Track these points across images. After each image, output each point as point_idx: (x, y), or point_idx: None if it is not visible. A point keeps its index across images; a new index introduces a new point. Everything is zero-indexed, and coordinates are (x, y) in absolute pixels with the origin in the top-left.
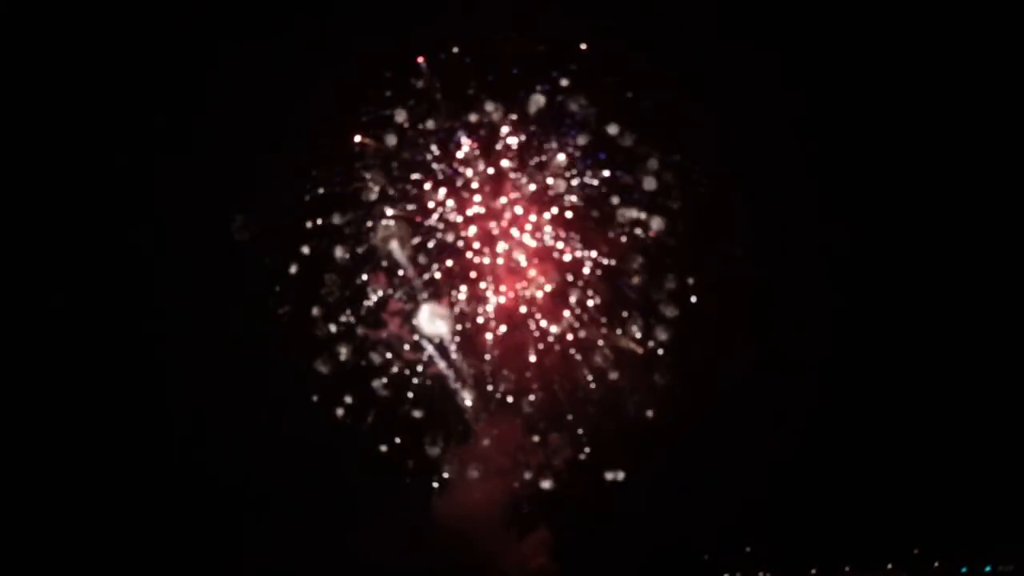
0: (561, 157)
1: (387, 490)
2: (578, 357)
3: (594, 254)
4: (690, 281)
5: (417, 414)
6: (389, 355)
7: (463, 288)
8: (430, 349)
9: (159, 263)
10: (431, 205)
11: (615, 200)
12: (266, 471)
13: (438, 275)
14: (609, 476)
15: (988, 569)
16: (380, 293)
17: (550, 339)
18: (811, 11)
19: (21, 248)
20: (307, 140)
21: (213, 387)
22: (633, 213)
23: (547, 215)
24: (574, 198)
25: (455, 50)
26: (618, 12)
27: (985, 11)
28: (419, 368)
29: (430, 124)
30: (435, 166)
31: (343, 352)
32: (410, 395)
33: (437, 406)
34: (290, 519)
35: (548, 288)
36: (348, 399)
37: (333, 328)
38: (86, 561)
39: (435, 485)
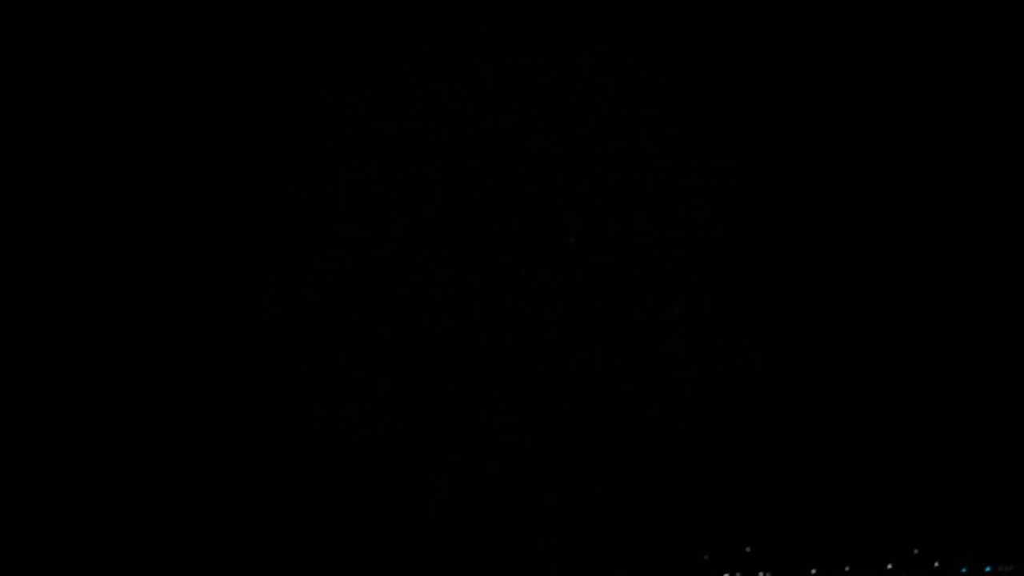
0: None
1: (384, 488)
2: (577, 354)
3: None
4: (690, 279)
5: (415, 408)
6: (391, 351)
7: (466, 286)
8: (431, 344)
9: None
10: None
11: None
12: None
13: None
14: (607, 475)
15: (988, 569)
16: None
17: (549, 337)
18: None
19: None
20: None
21: (209, 386)
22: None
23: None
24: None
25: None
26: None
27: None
28: (420, 365)
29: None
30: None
31: (343, 347)
32: (410, 391)
33: (435, 402)
34: (286, 518)
35: (544, 284)
36: (347, 395)
37: (335, 324)
38: (84, 561)
39: (432, 484)
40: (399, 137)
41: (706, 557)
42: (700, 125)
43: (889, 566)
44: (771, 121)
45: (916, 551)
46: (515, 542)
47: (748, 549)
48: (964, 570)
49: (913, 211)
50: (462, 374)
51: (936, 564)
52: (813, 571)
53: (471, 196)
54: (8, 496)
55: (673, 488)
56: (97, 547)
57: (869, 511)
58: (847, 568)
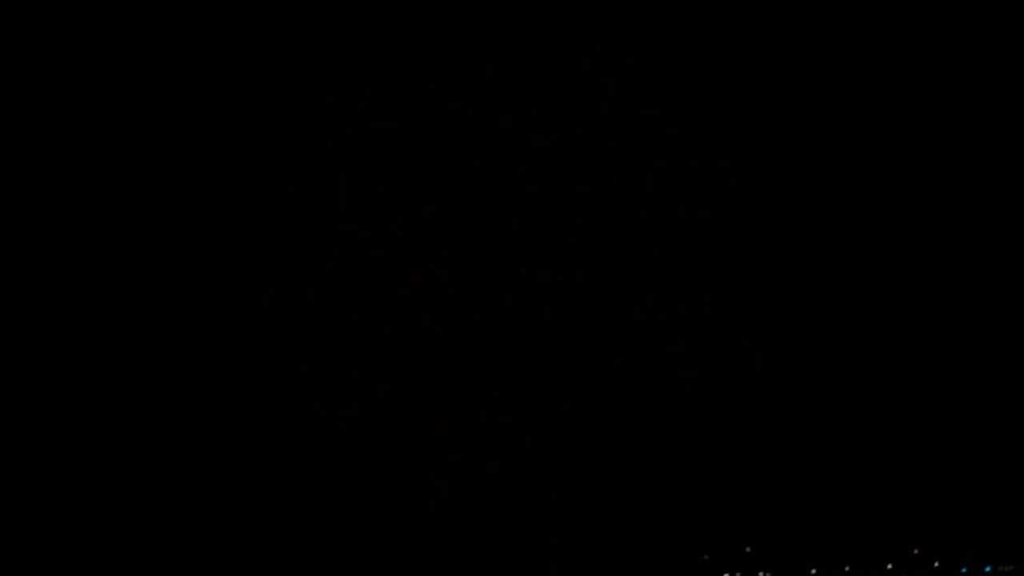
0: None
1: (384, 488)
2: (577, 354)
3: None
4: (690, 280)
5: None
6: (390, 351)
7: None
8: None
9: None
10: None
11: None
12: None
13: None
14: (607, 475)
15: (988, 569)
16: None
17: (549, 337)
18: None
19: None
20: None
21: (209, 386)
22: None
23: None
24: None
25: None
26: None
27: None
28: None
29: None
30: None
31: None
32: (409, 390)
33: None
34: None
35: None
36: (346, 396)
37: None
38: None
39: (432, 484)
40: (399, 137)
41: (706, 557)
42: (700, 125)
43: (889, 566)
44: (771, 121)
45: (916, 551)
46: (515, 542)
47: (748, 549)
48: (964, 570)
49: (913, 211)
50: (462, 374)
51: (936, 564)
52: (813, 571)
53: (471, 196)
54: (8, 496)
55: (673, 488)
56: (97, 547)
57: (869, 511)
58: (847, 568)
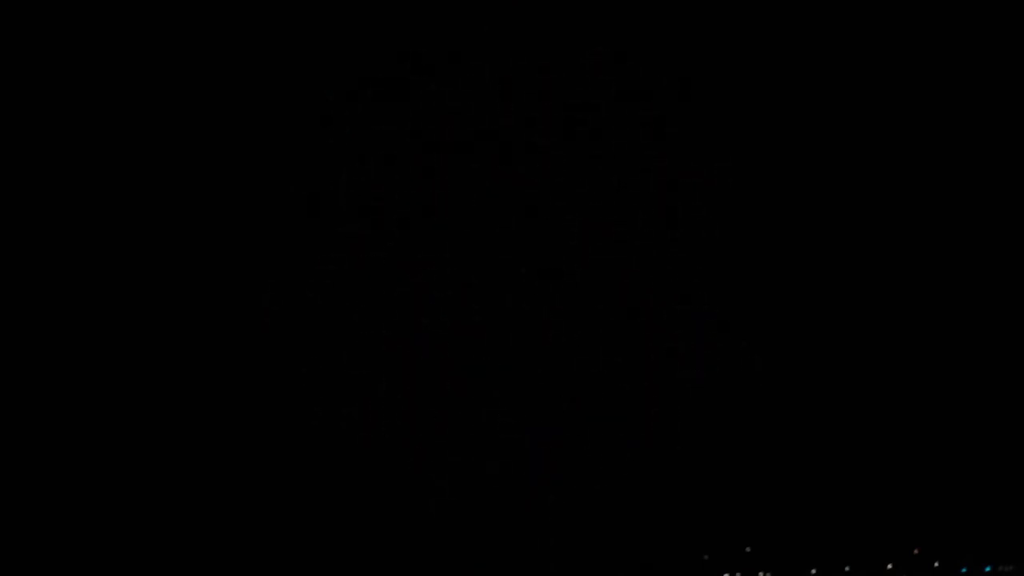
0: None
1: (384, 488)
2: (577, 354)
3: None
4: (690, 280)
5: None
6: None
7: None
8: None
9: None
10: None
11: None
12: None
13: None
14: (607, 475)
15: (988, 569)
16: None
17: (549, 337)
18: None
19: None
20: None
21: (210, 386)
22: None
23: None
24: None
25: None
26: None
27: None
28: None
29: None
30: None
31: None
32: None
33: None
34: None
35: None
36: (346, 395)
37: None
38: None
39: (432, 484)
40: (399, 137)
41: (706, 557)
42: (700, 125)
43: (889, 566)
44: (771, 121)
45: (916, 551)
46: (515, 542)
47: (748, 549)
48: (964, 570)
49: (913, 211)
50: (462, 374)
51: (936, 564)
52: (813, 571)
53: (471, 196)
54: (8, 496)
55: (673, 488)
56: (97, 547)
57: (869, 511)
58: (847, 568)
